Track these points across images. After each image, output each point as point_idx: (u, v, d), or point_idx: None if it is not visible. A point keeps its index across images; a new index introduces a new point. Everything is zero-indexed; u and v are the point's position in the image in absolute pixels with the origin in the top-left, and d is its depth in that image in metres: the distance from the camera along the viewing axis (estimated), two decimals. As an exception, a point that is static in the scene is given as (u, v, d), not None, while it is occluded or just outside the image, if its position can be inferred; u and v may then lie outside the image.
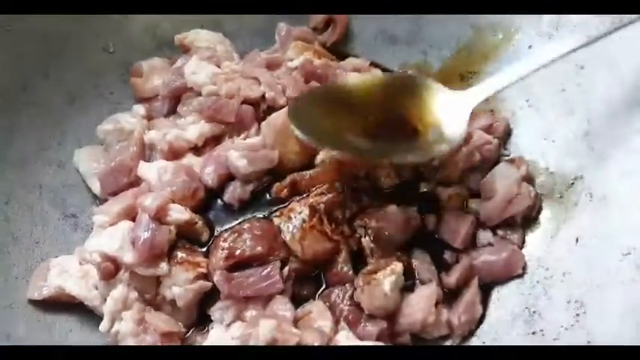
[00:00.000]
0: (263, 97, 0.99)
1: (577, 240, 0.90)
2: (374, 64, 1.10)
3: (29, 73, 0.99)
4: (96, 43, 1.06)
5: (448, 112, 0.91)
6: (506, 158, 1.02)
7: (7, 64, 0.96)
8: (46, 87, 1.00)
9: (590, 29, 0.90)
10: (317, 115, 0.89)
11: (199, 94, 1.00)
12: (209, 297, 0.86)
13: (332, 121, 0.88)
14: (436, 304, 0.86)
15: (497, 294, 0.92)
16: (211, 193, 0.94)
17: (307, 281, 0.90)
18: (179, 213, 0.86)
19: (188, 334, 0.85)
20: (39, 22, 0.99)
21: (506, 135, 1.04)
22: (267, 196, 0.94)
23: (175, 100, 1.03)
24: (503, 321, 0.89)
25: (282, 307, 0.83)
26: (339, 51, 1.13)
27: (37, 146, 0.97)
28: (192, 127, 0.96)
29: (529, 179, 0.98)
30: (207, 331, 0.85)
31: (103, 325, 0.81)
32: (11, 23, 0.95)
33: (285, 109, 0.93)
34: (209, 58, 1.03)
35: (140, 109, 1.02)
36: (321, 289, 0.89)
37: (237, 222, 0.92)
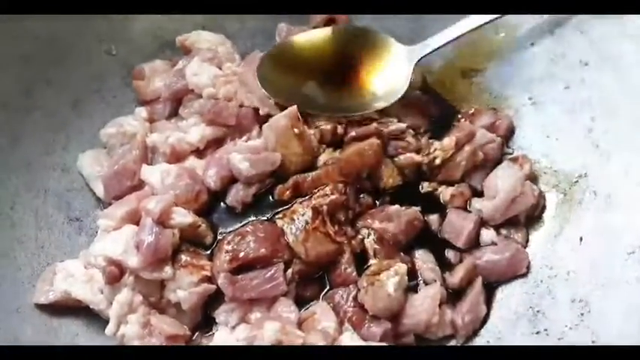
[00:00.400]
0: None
1: (581, 239, 0.90)
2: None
3: (33, 79, 0.99)
4: (98, 46, 1.06)
5: (394, 64, 1.01)
6: (510, 157, 1.01)
7: (11, 70, 0.96)
8: (50, 92, 1.01)
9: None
10: (280, 72, 0.99)
11: (200, 95, 1.00)
12: (213, 300, 0.87)
13: (293, 78, 1.00)
14: (440, 305, 0.86)
15: (501, 293, 0.92)
16: (214, 196, 0.94)
17: (311, 283, 0.90)
18: (182, 216, 0.86)
19: (193, 337, 0.85)
20: (42, 28, 0.99)
21: (510, 133, 1.04)
22: (270, 198, 0.95)
23: (177, 102, 1.04)
24: (507, 320, 0.89)
25: (287, 308, 0.83)
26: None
27: (41, 151, 0.98)
28: (194, 130, 0.96)
29: (532, 178, 0.98)
30: (212, 333, 0.86)
31: (109, 329, 0.82)
32: (15, 29, 0.95)
33: (285, 112, 0.93)
34: (210, 60, 1.03)
35: (142, 111, 1.02)
36: (325, 290, 0.90)
37: (240, 224, 0.92)
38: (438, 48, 0.99)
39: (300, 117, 0.93)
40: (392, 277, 0.85)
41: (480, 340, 0.88)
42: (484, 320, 0.89)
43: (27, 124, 0.97)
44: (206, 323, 0.87)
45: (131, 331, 0.80)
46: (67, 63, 1.03)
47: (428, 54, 0.99)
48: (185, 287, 0.83)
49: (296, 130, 0.94)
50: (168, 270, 0.83)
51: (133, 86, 1.06)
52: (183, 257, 0.85)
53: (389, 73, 1.01)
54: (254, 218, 0.93)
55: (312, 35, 1.03)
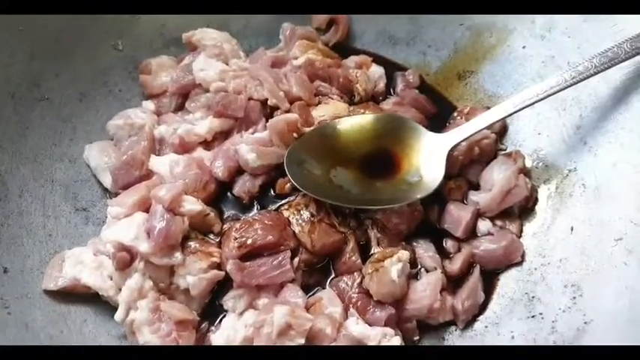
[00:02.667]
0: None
1: (572, 229, 0.95)
2: (375, 60, 1.13)
3: (41, 72, 1.01)
4: (106, 41, 1.08)
5: (428, 153, 0.97)
6: (504, 152, 1.06)
7: (20, 63, 0.98)
8: (58, 84, 1.02)
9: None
10: (309, 161, 0.95)
11: (207, 90, 1.03)
12: (221, 288, 0.89)
13: (324, 167, 0.96)
14: (441, 291, 0.90)
15: (498, 281, 0.96)
16: (222, 187, 0.96)
17: (316, 271, 0.93)
18: (192, 204, 0.88)
19: (202, 325, 0.87)
20: (51, 22, 1.01)
21: (503, 130, 1.09)
22: (273, 189, 0.98)
23: (183, 96, 1.06)
24: (505, 306, 0.93)
25: (294, 294, 0.86)
26: (342, 50, 1.16)
27: (49, 142, 0.99)
28: (202, 122, 0.98)
29: (525, 172, 1.02)
30: (220, 320, 0.87)
31: (119, 315, 0.83)
32: (24, 23, 0.97)
33: (285, 116, 0.97)
34: (217, 56, 1.06)
35: (150, 104, 1.04)
36: (330, 277, 0.92)
37: (247, 214, 0.95)
38: (471, 136, 0.96)
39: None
40: (395, 264, 0.88)
41: (478, 325, 0.92)
42: (483, 306, 0.93)
43: (35, 115, 0.99)
44: (214, 311, 0.89)
45: (141, 317, 0.82)
46: (75, 57, 1.05)
47: (460, 142, 0.97)
48: (194, 273, 0.84)
49: (294, 135, 0.97)
50: (178, 256, 0.84)
51: (140, 80, 1.08)
52: (193, 244, 0.87)
53: (423, 163, 0.97)
54: (260, 208, 0.95)
55: (342, 124, 0.99)
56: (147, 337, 0.81)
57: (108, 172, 0.97)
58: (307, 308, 0.85)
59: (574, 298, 0.87)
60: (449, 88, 1.16)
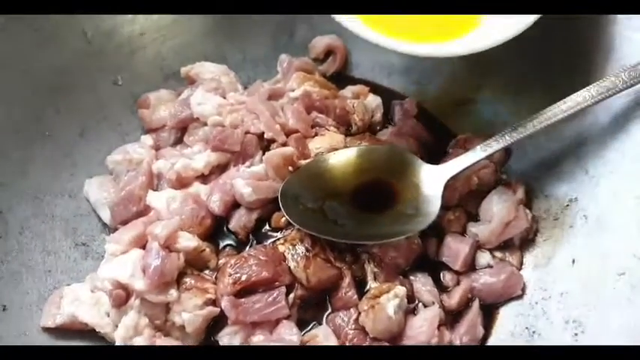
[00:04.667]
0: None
1: (573, 261, 0.93)
2: (373, 89, 1.13)
3: (42, 107, 1.03)
4: (105, 76, 1.10)
5: (426, 186, 0.96)
6: (503, 181, 1.05)
7: (21, 100, 1.00)
8: (58, 119, 1.04)
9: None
10: (304, 195, 0.95)
11: (205, 124, 1.04)
12: (217, 323, 0.89)
13: (318, 201, 0.95)
14: (439, 326, 0.89)
15: (498, 315, 0.94)
16: (218, 221, 0.97)
17: (312, 306, 0.92)
18: (188, 240, 0.89)
19: (197, 360, 0.87)
20: (53, 59, 1.03)
21: (503, 159, 1.08)
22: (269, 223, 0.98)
23: (182, 130, 1.07)
24: (504, 341, 0.91)
25: (289, 331, 0.85)
26: (339, 79, 1.17)
27: (50, 177, 1.00)
28: (199, 156, 0.99)
29: (525, 202, 1.01)
30: (216, 356, 0.87)
31: (115, 352, 0.83)
32: (28, 60, 1.00)
33: (280, 150, 0.97)
34: (214, 89, 1.07)
35: (148, 139, 1.05)
36: (327, 313, 0.92)
37: (243, 249, 0.95)
38: (469, 167, 0.95)
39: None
40: (392, 300, 0.87)
41: (478, 362, 0.90)
42: (482, 342, 0.91)
43: (36, 150, 1.00)
44: (209, 346, 0.89)
45: (136, 354, 0.82)
46: (76, 92, 1.06)
47: (458, 173, 0.95)
48: (190, 310, 0.85)
49: (290, 168, 0.98)
50: (173, 293, 0.85)
51: (139, 115, 1.10)
52: (188, 280, 0.87)
53: (420, 195, 0.95)
54: (256, 243, 0.96)
55: (337, 156, 0.98)
56: (142, 376, 0.81)
57: (107, 208, 0.98)
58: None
59: (575, 334, 0.85)
60: (447, 115, 1.15)
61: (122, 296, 0.84)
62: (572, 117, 0.93)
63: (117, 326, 0.85)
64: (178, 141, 1.07)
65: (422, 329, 0.87)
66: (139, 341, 0.83)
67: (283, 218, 0.96)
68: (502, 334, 0.92)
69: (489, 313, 0.94)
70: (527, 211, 0.99)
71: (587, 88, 0.92)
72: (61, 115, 1.05)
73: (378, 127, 1.11)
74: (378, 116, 1.11)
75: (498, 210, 0.98)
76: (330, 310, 0.92)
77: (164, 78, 1.15)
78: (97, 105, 1.09)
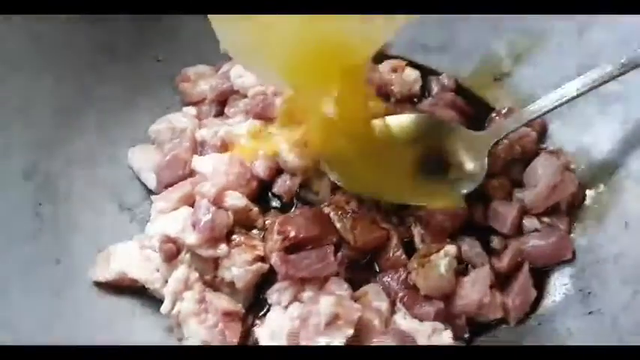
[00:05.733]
0: (305, 101, 1.03)
1: (626, 224, 0.91)
2: (410, 64, 1.14)
3: (87, 81, 1.05)
4: (147, 52, 1.13)
5: (469, 151, 0.97)
6: (546, 151, 1.04)
7: (69, 73, 1.02)
8: (103, 92, 1.06)
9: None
10: (349, 158, 0.94)
11: (245, 96, 1.05)
12: (265, 282, 0.88)
13: (363, 165, 0.94)
14: (490, 288, 0.87)
15: (549, 278, 0.92)
16: (262, 186, 0.97)
17: (359, 267, 0.91)
18: (236, 199, 0.89)
19: (247, 319, 0.85)
20: (97, 35, 1.06)
21: (543, 129, 1.07)
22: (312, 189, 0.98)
23: (222, 103, 1.09)
24: (558, 303, 0.89)
25: (339, 287, 0.84)
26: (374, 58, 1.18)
27: (95, 145, 1.02)
28: (242, 124, 1.00)
29: (570, 168, 1.00)
30: (265, 314, 0.86)
31: (165, 307, 0.82)
32: (76, 36, 1.03)
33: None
34: (255, 63, 1.08)
35: (191, 109, 1.07)
36: (374, 274, 0.90)
37: (287, 212, 0.94)
38: (511, 132, 0.97)
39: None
40: (442, 258, 0.86)
41: (532, 323, 0.88)
42: (535, 304, 0.89)
43: (83, 120, 1.02)
44: (258, 306, 0.87)
45: (187, 308, 0.81)
46: (119, 67, 1.09)
47: (502, 139, 0.96)
48: (239, 265, 0.84)
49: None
50: (223, 248, 0.84)
51: (179, 89, 1.12)
52: (237, 238, 0.87)
53: (464, 161, 0.96)
54: (300, 206, 0.96)
55: (381, 123, 0.98)
56: (193, 328, 0.80)
57: (151, 173, 0.98)
58: (354, 301, 0.83)
59: (635, 292, 0.83)
60: (484, 90, 1.16)
61: (172, 250, 0.83)
62: (616, 82, 0.93)
63: (167, 281, 0.84)
64: (219, 114, 1.09)
65: (474, 288, 0.86)
66: (189, 296, 0.82)
67: (327, 183, 0.96)
68: (556, 297, 0.90)
69: (540, 277, 0.92)
70: (573, 175, 0.98)
71: (632, 50, 0.92)
72: (105, 89, 1.07)
73: (416, 100, 1.12)
74: (417, 89, 1.12)
75: (543, 174, 0.97)
76: (378, 271, 0.90)
77: (203, 55, 1.16)
78: (138, 80, 1.11)
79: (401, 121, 1.00)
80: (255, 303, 0.87)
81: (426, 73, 1.16)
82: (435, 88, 1.14)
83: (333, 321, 0.77)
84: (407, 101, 1.10)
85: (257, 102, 1.01)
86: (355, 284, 0.89)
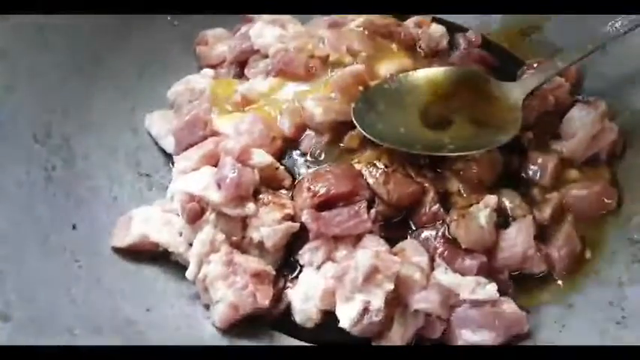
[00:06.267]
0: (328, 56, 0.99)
1: (671, 168, 0.86)
2: (435, 20, 1.09)
3: (101, 48, 1.00)
4: (161, 17, 1.08)
5: (503, 102, 0.92)
6: (582, 102, 0.99)
7: (82, 39, 0.98)
8: (117, 60, 1.01)
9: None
10: (379, 113, 0.91)
11: (266, 56, 1.01)
12: (296, 243, 0.83)
13: (395, 118, 0.90)
14: (534, 239, 0.82)
15: (595, 230, 0.87)
16: (288, 144, 0.92)
17: (394, 225, 0.86)
18: (261, 157, 0.84)
19: (279, 281, 0.81)
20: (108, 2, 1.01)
21: (578, 80, 1.03)
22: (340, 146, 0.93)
23: (241, 65, 1.04)
24: (605, 253, 0.84)
25: (375, 243, 0.79)
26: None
27: (111, 112, 0.97)
28: (264, 80, 0.95)
29: (610, 117, 0.95)
30: (297, 276, 0.81)
31: (190, 271, 0.78)
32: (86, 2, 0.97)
33: (350, 69, 0.93)
34: (273, 22, 1.04)
35: (209, 71, 1.02)
36: (410, 231, 0.86)
37: (316, 169, 0.90)
38: (545, 81, 0.92)
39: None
40: (482, 210, 0.81)
41: (579, 277, 0.83)
42: (580, 255, 0.84)
43: (97, 88, 0.98)
44: (290, 268, 0.83)
45: (214, 271, 0.76)
46: (133, 33, 1.04)
47: (535, 88, 0.92)
48: (268, 224, 0.79)
49: (360, 88, 0.93)
50: (251, 206, 0.80)
51: (197, 52, 1.07)
52: (265, 197, 0.82)
53: (498, 111, 0.91)
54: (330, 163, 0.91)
55: (411, 76, 0.95)
56: (221, 292, 0.75)
57: (170, 137, 0.94)
58: (392, 256, 0.78)
59: (686, 238, 0.78)
60: (514, 45, 1.11)
61: (197, 210, 0.79)
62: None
63: (191, 245, 0.79)
64: (238, 76, 1.04)
65: (517, 240, 0.81)
66: (216, 259, 0.77)
67: (357, 139, 0.91)
68: (602, 248, 0.85)
69: (584, 228, 0.87)
70: (613, 124, 0.93)
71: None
72: (120, 56, 1.02)
73: (444, 56, 1.07)
74: (444, 44, 1.07)
75: (582, 124, 0.92)
76: (414, 229, 0.86)
77: (219, 18, 1.12)
78: (153, 46, 1.06)
79: (430, 73, 0.96)
80: (287, 265, 0.83)
81: (453, 29, 1.12)
82: (462, 44, 1.09)
83: (372, 275, 0.72)
84: (435, 56, 1.05)
85: (278, 58, 0.96)
86: (391, 243, 0.84)
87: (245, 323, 0.77)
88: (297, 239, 0.83)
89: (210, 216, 0.79)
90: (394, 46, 1.02)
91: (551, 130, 0.96)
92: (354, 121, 0.88)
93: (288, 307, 0.79)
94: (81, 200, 0.84)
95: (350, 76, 0.92)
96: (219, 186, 0.80)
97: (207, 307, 0.79)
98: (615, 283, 0.79)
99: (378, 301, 0.72)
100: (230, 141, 0.84)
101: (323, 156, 0.91)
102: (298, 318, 0.78)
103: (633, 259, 0.81)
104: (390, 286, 0.72)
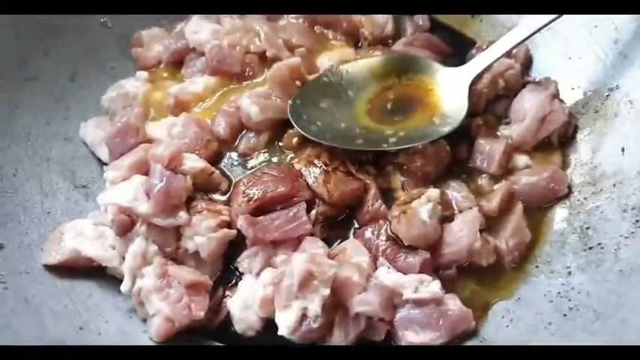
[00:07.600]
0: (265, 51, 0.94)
1: (623, 149, 0.83)
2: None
3: (28, 51, 0.96)
4: (93, 18, 1.03)
5: (448, 89, 0.89)
6: (532, 83, 0.96)
7: (5, 43, 0.93)
8: (47, 64, 0.97)
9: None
10: (319, 107, 0.87)
11: (202, 54, 0.97)
12: (234, 250, 0.80)
13: (335, 113, 0.87)
14: (480, 232, 0.79)
15: (544, 217, 0.85)
16: (225, 146, 0.89)
17: (336, 225, 0.83)
18: (194, 162, 0.81)
19: (218, 291, 0.78)
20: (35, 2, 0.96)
21: (528, 60, 0.99)
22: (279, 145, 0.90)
23: (178, 64, 1.00)
24: (555, 242, 0.82)
25: (314, 245, 0.76)
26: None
27: (41, 121, 0.93)
28: (198, 80, 0.92)
29: (559, 97, 0.92)
30: (236, 283, 0.79)
31: (125, 285, 0.75)
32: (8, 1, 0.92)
33: (285, 62, 0.89)
34: (209, 17, 0.99)
35: (143, 74, 0.98)
36: (353, 229, 0.83)
37: (253, 171, 0.86)
38: (491, 65, 0.88)
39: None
40: (424, 204, 0.78)
41: (529, 267, 0.80)
42: (530, 245, 0.82)
43: (25, 94, 0.94)
44: (229, 276, 0.80)
45: (148, 284, 0.74)
46: (64, 35, 1.00)
47: (481, 73, 0.88)
48: (203, 233, 0.76)
49: (298, 83, 0.90)
50: (183, 215, 0.76)
51: (132, 54, 1.03)
52: (199, 204, 0.79)
53: (443, 99, 0.88)
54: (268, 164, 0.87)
55: (351, 67, 0.91)
56: (157, 306, 0.72)
57: (104, 146, 0.90)
58: (331, 258, 0.75)
59: (637, 221, 0.76)
60: (463, 27, 1.07)
61: (126, 222, 0.76)
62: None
63: (124, 258, 0.76)
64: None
65: (462, 233, 0.78)
66: (149, 271, 0.74)
67: (296, 138, 0.88)
68: (552, 236, 0.82)
69: (534, 217, 0.84)
70: (564, 105, 0.90)
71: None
72: (50, 60, 0.98)
73: (390, 42, 1.03)
74: (389, 29, 1.03)
75: (531, 106, 0.89)
76: (356, 227, 0.83)
77: (155, 17, 1.07)
78: (86, 48, 1.02)
79: (371, 63, 0.92)
80: (227, 274, 0.80)
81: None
82: (409, 29, 1.05)
83: (307, 280, 0.69)
84: (379, 44, 1.01)
85: (213, 55, 0.92)
86: (333, 242, 0.81)
87: (184, 335, 0.74)
88: (236, 246, 0.80)
89: (140, 228, 0.76)
90: (336, 35, 0.98)
91: (502, 116, 0.93)
92: (291, 119, 0.85)
93: (229, 317, 0.77)
94: (10, 217, 0.81)
95: (286, 71, 0.88)
96: (148, 195, 0.76)
97: (144, 320, 0.76)
98: (564, 272, 0.77)
99: (315, 307, 0.69)
100: (159, 147, 0.80)
101: (261, 157, 0.88)
102: (238, 327, 0.75)
103: (584, 247, 0.78)
104: (327, 291, 0.69)
